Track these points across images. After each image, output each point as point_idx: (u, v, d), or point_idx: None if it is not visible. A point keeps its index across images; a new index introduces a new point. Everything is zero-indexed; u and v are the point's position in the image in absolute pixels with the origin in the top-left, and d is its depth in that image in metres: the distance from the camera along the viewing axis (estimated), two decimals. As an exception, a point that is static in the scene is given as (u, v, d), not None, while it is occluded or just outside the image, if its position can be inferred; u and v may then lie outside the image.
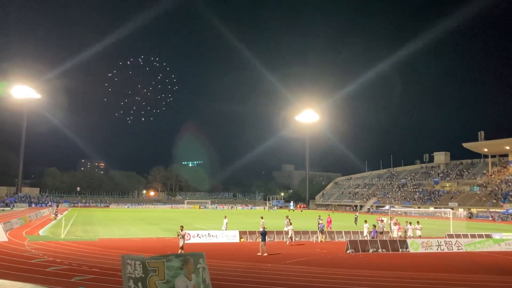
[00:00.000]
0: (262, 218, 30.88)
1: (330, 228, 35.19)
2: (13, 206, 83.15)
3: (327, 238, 30.86)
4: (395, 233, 31.51)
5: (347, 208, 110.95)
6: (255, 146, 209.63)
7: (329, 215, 36.61)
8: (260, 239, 23.67)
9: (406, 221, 33.91)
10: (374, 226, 30.54)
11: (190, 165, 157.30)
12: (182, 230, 21.37)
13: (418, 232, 32.14)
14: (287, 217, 31.97)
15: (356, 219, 46.00)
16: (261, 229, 24.23)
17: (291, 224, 28.36)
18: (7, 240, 26.18)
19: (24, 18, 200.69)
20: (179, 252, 20.12)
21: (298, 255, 23.26)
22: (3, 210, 72.30)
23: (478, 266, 21.50)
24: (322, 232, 30.24)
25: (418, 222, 33.35)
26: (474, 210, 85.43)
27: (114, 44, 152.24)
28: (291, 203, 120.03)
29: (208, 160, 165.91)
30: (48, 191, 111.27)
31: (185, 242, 26.93)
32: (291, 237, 28.01)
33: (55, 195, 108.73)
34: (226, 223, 31.74)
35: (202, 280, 3.45)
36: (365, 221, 32.03)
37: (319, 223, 30.67)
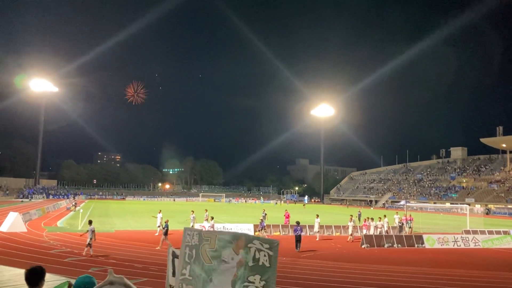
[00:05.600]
0: (206, 210, 31.93)
1: (286, 222, 33.44)
2: (32, 198, 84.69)
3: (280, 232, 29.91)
4: (350, 230, 28.15)
5: (362, 203, 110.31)
6: (270, 140, 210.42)
7: (286, 210, 36.48)
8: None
9: (368, 217, 31.01)
10: (262, 219, 28.85)
11: (205, 159, 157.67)
12: (90, 225, 18.67)
13: (379, 230, 29.24)
14: (206, 210, 32.28)
15: (359, 215, 43.46)
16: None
17: (212, 219, 26.65)
18: (26, 230, 26.71)
19: (43, 11, 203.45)
20: (84, 251, 18.32)
21: (313, 249, 23.25)
22: (22, 201, 73.61)
23: (496, 263, 21.22)
24: (262, 229, 27.60)
25: (380, 219, 30.67)
26: (491, 206, 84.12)
27: (130, 37, 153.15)
28: (306, 198, 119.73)
29: (223, 154, 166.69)
30: (65, 183, 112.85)
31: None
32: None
33: (72, 187, 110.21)
34: (161, 217, 29.67)
35: (253, 258, 3.63)
36: (372, 219, 30.06)
37: (261, 221, 28.50)
